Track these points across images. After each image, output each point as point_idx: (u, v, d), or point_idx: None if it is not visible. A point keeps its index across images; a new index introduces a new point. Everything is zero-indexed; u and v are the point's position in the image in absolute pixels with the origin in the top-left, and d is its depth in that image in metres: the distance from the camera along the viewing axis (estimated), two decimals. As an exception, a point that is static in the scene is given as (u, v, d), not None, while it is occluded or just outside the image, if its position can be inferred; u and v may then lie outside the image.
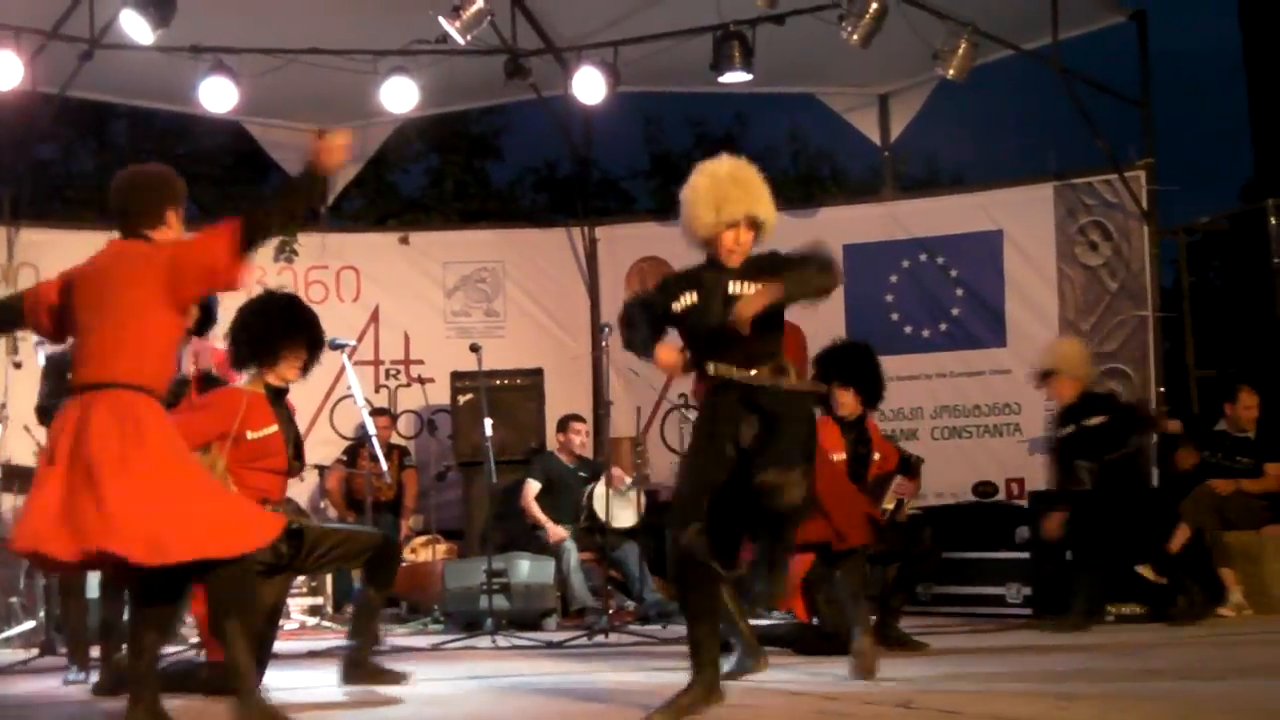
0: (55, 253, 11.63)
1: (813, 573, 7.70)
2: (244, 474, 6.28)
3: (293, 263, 12.49)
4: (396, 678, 6.53)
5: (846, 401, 8.04)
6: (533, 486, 10.57)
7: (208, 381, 7.22)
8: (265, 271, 11.39)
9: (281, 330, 6.57)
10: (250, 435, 6.35)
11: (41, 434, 8.31)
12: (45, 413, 7.38)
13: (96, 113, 19.86)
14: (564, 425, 10.88)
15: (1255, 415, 9.92)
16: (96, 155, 23.28)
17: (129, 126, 22.48)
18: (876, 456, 8.17)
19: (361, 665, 6.61)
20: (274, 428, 6.48)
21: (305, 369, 6.76)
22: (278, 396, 6.67)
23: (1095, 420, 9.15)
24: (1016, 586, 9.75)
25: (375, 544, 6.67)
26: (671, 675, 6.62)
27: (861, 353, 8.25)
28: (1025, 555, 10.00)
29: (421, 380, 12.25)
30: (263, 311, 6.63)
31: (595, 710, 5.72)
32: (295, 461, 6.77)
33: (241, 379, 6.80)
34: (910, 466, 8.49)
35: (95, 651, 6.98)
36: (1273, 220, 10.60)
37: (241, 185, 21.43)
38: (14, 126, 14.70)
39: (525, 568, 9.69)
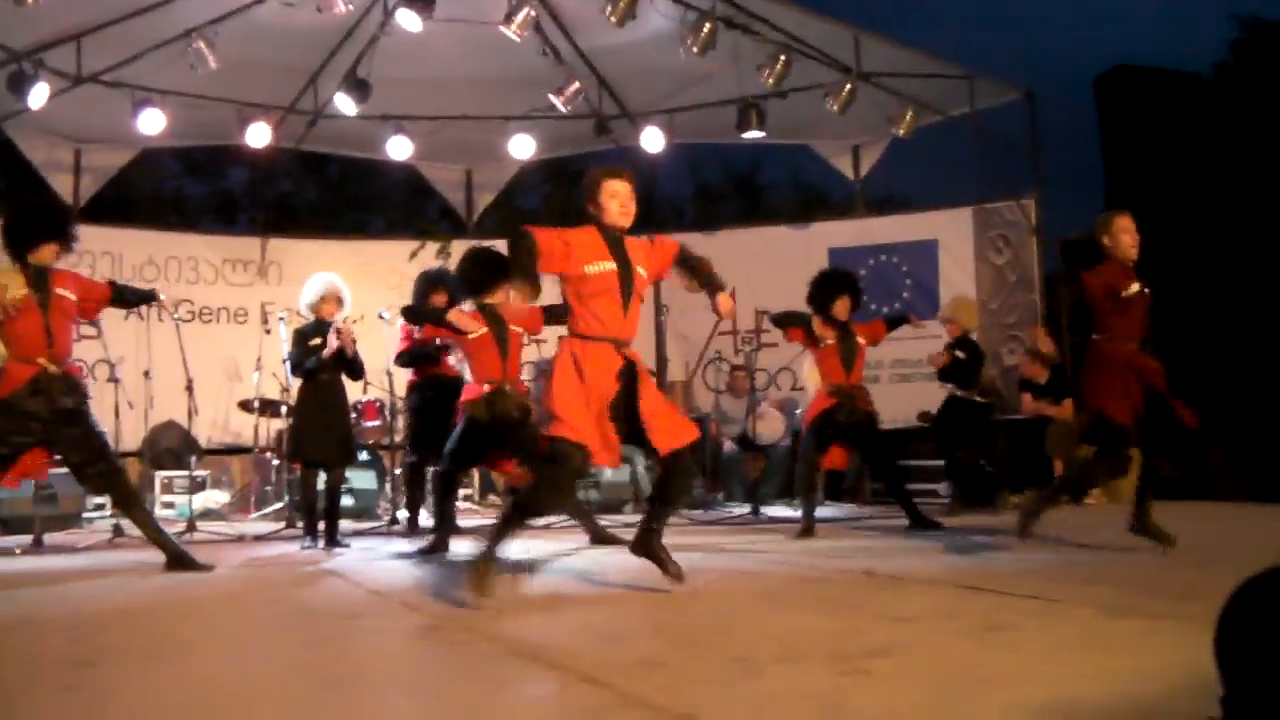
0: (292, 256, 11.90)
1: None
2: None
3: (446, 261, 12.46)
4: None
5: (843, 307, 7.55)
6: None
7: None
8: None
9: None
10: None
11: (282, 378, 8.42)
12: (294, 365, 7.32)
13: (318, 160, 20.00)
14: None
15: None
16: (318, 189, 23.55)
17: (339, 169, 22.69)
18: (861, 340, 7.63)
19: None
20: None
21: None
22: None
23: (960, 355, 9.07)
24: (945, 485, 9.73)
25: None
26: (707, 540, 6.64)
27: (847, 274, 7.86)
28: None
29: (538, 342, 12.28)
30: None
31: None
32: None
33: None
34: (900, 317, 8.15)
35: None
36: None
37: (415, 209, 21.60)
38: (265, 171, 14.77)
39: (609, 472, 9.72)
